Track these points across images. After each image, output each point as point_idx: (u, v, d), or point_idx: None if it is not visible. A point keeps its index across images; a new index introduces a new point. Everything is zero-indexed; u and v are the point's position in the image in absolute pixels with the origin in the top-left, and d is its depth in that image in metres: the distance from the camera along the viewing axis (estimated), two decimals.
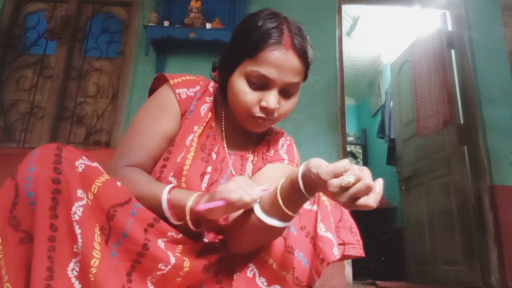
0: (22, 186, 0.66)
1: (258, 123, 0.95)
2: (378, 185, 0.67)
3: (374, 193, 0.66)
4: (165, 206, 0.81)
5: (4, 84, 3.27)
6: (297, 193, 0.73)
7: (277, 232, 0.81)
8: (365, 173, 0.66)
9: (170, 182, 0.91)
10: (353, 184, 0.65)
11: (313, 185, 0.70)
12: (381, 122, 5.31)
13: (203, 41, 3.05)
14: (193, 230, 0.82)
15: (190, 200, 0.79)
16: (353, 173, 0.65)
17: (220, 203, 0.75)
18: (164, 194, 0.81)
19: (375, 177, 0.69)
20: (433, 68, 3.70)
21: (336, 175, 0.66)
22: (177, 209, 0.81)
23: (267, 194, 0.79)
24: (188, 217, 0.79)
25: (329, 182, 0.65)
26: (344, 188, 0.65)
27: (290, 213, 0.75)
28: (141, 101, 3.07)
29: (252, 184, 0.79)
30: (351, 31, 5.13)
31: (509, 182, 3.04)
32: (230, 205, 0.75)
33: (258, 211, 0.78)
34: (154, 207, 0.81)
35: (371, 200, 0.65)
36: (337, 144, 3.06)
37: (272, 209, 0.76)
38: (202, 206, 0.76)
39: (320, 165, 0.68)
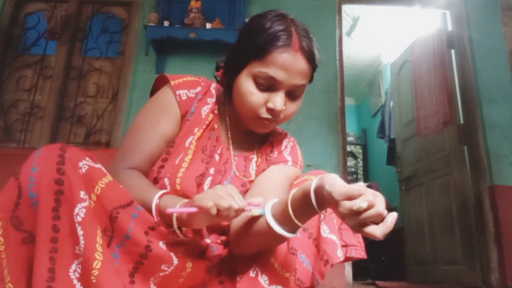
0: (25, 186, 0.66)
1: (263, 124, 0.95)
2: (391, 218, 0.65)
3: (384, 225, 0.65)
4: (154, 214, 0.80)
5: (4, 84, 3.26)
6: (308, 205, 0.72)
7: (283, 239, 0.81)
8: (379, 201, 0.65)
9: (165, 184, 0.91)
10: (365, 210, 0.64)
11: (324, 201, 0.69)
12: (381, 122, 5.32)
13: (203, 41, 3.05)
14: (182, 237, 0.80)
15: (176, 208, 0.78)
16: (367, 198, 0.64)
17: (191, 209, 0.73)
18: (154, 202, 0.80)
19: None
20: (433, 68, 3.70)
21: (349, 198, 0.64)
22: (164, 217, 0.79)
23: (278, 203, 0.79)
24: (175, 225, 0.78)
25: (341, 203, 0.65)
26: (355, 212, 0.64)
27: (299, 223, 0.75)
28: (141, 101, 3.07)
29: (235, 193, 0.75)
30: (351, 31, 5.13)
31: (509, 182, 3.04)
32: (206, 212, 0.71)
33: (269, 218, 0.78)
34: (149, 213, 0.80)
35: (378, 231, 0.64)
36: (337, 144, 3.06)
37: (282, 218, 0.76)
38: (171, 210, 0.74)
39: (334, 184, 0.67)
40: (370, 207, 0.64)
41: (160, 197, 0.81)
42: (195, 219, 0.75)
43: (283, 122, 0.98)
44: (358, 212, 0.64)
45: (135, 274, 0.77)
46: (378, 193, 0.66)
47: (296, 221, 0.75)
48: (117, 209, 0.75)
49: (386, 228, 0.64)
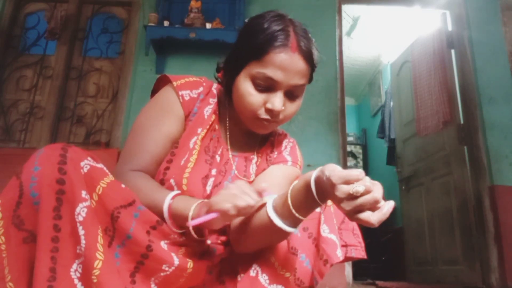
0: (27, 185, 0.66)
1: (263, 125, 0.95)
2: (387, 206, 0.65)
3: (380, 212, 0.65)
4: (166, 215, 0.81)
5: (4, 84, 3.27)
6: (308, 196, 0.72)
7: (284, 235, 0.81)
8: (377, 188, 0.65)
9: (171, 185, 0.91)
10: (361, 195, 0.64)
11: (324, 189, 0.69)
12: (381, 122, 5.32)
13: (203, 41, 3.05)
14: (197, 238, 0.82)
15: (191, 211, 0.79)
16: (364, 183, 0.64)
17: (212, 215, 0.74)
18: (166, 203, 0.81)
19: (375, 177, 0.68)
20: (433, 68, 3.70)
21: (347, 182, 0.65)
22: (178, 218, 0.80)
23: (280, 196, 0.79)
24: (191, 228, 0.79)
25: (338, 186, 0.65)
26: (352, 196, 0.64)
27: (298, 215, 0.75)
28: (141, 101, 3.07)
29: (248, 189, 0.77)
30: (351, 31, 5.13)
31: (509, 182, 3.04)
32: (225, 215, 0.74)
33: (271, 212, 0.78)
34: (158, 214, 0.81)
35: (374, 217, 0.64)
36: (337, 144, 3.06)
37: (283, 210, 0.76)
38: (195, 222, 0.75)
39: (334, 170, 0.67)
40: (367, 192, 0.64)
41: (171, 199, 0.82)
42: (213, 221, 0.76)
43: (283, 123, 0.98)
44: (354, 197, 0.64)
45: (136, 274, 0.77)
46: (376, 182, 0.66)
47: (294, 212, 0.74)
48: (119, 209, 0.75)
49: (382, 215, 0.64)
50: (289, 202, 0.75)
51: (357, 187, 0.64)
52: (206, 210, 0.77)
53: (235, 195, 0.75)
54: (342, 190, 0.64)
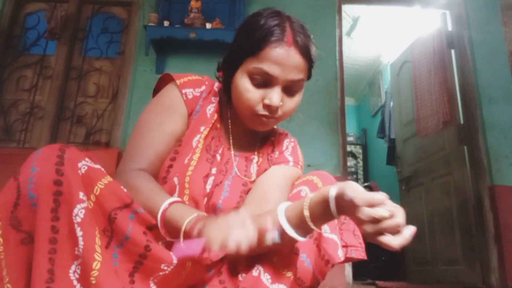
0: (24, 187, 0.66)
1: (262, 122, 0.95)
2: (409, 231, 0.66)
3: (403, 237, 0.65)
4: (159, 224, 0.78)
5: (4, 84, 3.26)
6: (327, 211, 0.72)
7: (293, 243, 0.82)
8: (399, 213, 0.65)
9: (174, 183, 0.90)
10: (385, 219, 0.64)
11: (344, 208, 0.69)
12: (381, 122, 5.32)
13: (203, 41, 3.05)
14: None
15: (184, 224, 0.75)
16: (389, 208, 0.64)
17: (197, 248, 0.69)
18: (160, 211, 0.78)
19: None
20: (433, 68, 3.70)
21: (371, 205, 0.65)
22: (171, 228, 0.78)
23: (292, 206, 0.79)
24: (182, 242, 0.76)
25: (362, 209, 0.65)
26: (374, 220, 0.64)
27: (314, 227, 0.75)
28: (141, 101, 3.07)
29: (248, 221, 0.70)
30: (351, 31, 5.13)
31: (509, 182, 3.04)
32: (210, 249, 0.67)
33: (284, 223, 0.77)
34: (154, 218, 0.80)
35: (396, 242, 0.64)
36: (337, 144, 3.06)
37: (298, 222, 0.76)
38: (177, 253, 0.74)
39: (356, 191, 0.67)
40: (390, 217, 0.64)
41: (167, 207, 0.78)
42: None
43: (282, 119, 0.98)
44: (377, 221, 0.64)
45: (135, 274, 0.77)
46: (399, 206, 0.67)
47: (312, 225, 0.75)
48: (115, 210, 0.75)
49: (404, 240, 0.65)
50: (307, 215, 0.75)
51: (383, 212, 0.64)
52: (197, 232, 0.72)
53: (231, 228, 0.67)
54: (366, 213, 0.65)
